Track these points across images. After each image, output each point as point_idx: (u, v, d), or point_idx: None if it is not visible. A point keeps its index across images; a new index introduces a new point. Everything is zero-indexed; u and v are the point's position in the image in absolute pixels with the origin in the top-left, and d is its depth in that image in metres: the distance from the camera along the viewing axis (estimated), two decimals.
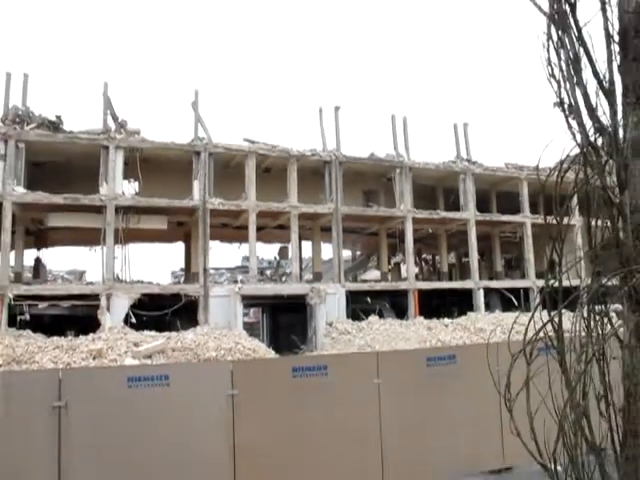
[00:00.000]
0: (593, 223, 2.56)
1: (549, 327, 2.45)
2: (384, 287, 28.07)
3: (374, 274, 35.46)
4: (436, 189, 32.73)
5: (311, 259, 32.38)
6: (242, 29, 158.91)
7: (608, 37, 2.52)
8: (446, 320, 25.50)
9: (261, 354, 19.32)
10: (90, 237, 24.78)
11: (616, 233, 2.45)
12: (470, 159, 30.67)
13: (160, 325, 21.63)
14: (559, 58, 2.55)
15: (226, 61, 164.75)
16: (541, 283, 3.10)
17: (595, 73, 2.52)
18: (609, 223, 2.48)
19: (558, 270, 2.58)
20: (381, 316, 25.83)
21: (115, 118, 24.38)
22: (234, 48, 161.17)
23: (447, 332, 23.79)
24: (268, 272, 39.72)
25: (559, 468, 2.39)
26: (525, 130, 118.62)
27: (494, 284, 30.35)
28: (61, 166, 24.08)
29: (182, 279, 33.95)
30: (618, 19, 2.52)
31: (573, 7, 2.53)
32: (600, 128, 2.51)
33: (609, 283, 2.41)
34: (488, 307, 28.95)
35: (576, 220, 7.67)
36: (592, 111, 2.51)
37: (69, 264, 47.24)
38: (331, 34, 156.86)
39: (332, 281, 26.48)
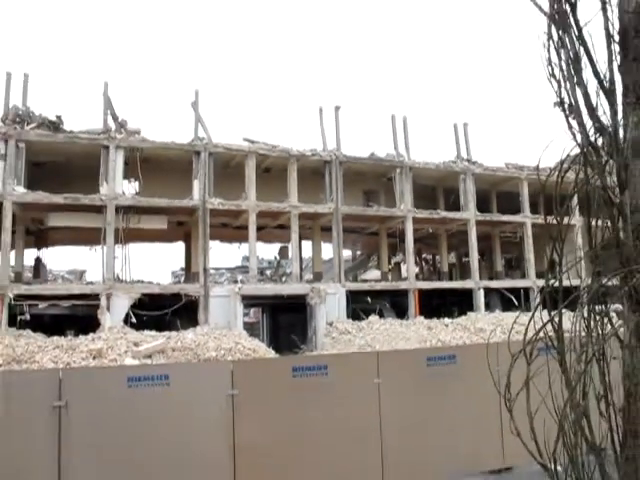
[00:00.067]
0: (593, 223, 2.56)
1: (549, 327, 2.45)
2: (384, 287, 28.07)
3: (374, 274, 35.47)
4: (436, 189, 32.73)
5: (311, 259, 32.39)
6: (242, 29, 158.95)
7: (608, 37, 2.52)
8: (446, 320, 25.50)
9: (261, 354, 19.32)
10: (90, 237, 24.79)
11: (616, 233, 2.45)
12: (470, 159, 30.68)
13: (160, 325, 21.63)
14: (559, 58, 2.55)
15: (226, 61, 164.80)
16: (541, 283, 3.10)
17: (595, 73, 2.52)
18: (609, 223, 2.48)
19: (558, 270, 2.58)
20: (381, 316, 25.83)
21: (115, 118, 24.39)
22: (234, 48, 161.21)
23: (447, 332, 23.79)
24: (268, 272, 39.72)
25: (559, 468, 2.39)
26: (525, 130, 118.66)
27: (494, 284, 30.35)
28: (61, 166, 24.09)
29: (182, 279, 33.96)
30: (618, 19, 2.52)
31: (573, 7, 2.53)
32: (600, 128, 2.51)
33: (609, 283, 2.41)
34: (488, 307, 28.95)
35: (576, 220, 7.67)
36: (592, 111, 2.51)
37: (69, 264, 47.31)
38: (331, 34, 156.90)
39: (332, 281, 26.48)
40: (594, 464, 2.42)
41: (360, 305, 26.27)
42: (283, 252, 34.86)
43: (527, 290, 29.17)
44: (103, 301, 21.77)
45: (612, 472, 2.40)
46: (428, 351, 12.24)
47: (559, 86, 2.56)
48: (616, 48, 2.52)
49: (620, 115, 2.51)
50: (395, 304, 27.93)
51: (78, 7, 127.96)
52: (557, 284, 2.51)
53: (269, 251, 47.70)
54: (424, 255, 39.94)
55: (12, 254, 23.72)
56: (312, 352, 21.66)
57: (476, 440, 7.85)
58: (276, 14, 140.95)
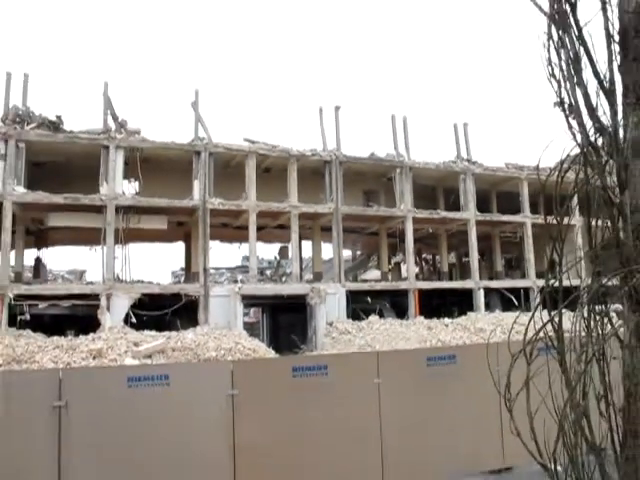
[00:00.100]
0: (593, 223, 2.56)
1: (549, 327, 2.45)
2: (384, 287, 28.07)
3: (374, 274, 35.47)
4: (436, 189, 32.73)
5: (311, 259, 32.39)
6: (242, 29, 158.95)
7: (608, 37, 2.52)
8: (446, 320, 25.50)
9: (261, 354, 19.32)
10: (90, 237, 24.79)
11: (616, 233, 2.45)
12: (470, 159, 30.68)
13: (160, 325, 21.63)
14: (559, 58, 2.55)
15: (226, 61, 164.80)
16: (541, 283, 3.10)
17: (595, 73, 2.52)
18: (609, 223, 2.48)
19: (558, 270, 2.58)
20: (381, 316, 25.83)
21: (115, 118, 24.39)
22: (234, 48, 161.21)
23: (447, 332, 23.79)
24: (268, 272, 39.72)
25: (559, 468, 2.39)
26: (525, 130, 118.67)
27: (494, 284, 30.35)
28: (61, 166, 24.09)
29: (182, 279, 33.96)
30: (618, 19, 2.52)
31: (573, 7, 2.53)
32: (600, 128, 2.51)
33: (609, 283, 2.41)
34: (488, 307, 28.95)
35: (576, 220, 7.67)
36: (592, 111, 2.51)
37: (69, 264, 47.31)
38: (331, 34, 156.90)
39: (332, 281, 26.48)
40: (594, 464, 2.42)
41: (360, 305, 26.27)
42: (283, 252, 34.86)
43: (527, 290, 29.17)
44: (103, 301, 21.77)
45: (612, 472, 2.40)
46: (428, 351, 12.24)
47: (559, 86, 2.56)
48: (616, 48, 2.52)
49: (620, 115, 2.51)
50: (395, 304, 27.92)
51: (78, 7, 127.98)
52: (557, 284, 2.51)
53: (269, 251, 47.72)
54: (424, 255, 39.94)
55: (12, 254, 23.72)
56: (312, 352, 21.66)
57: (476, 440, 7.85)
58: (276, 14, 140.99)
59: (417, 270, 34.30)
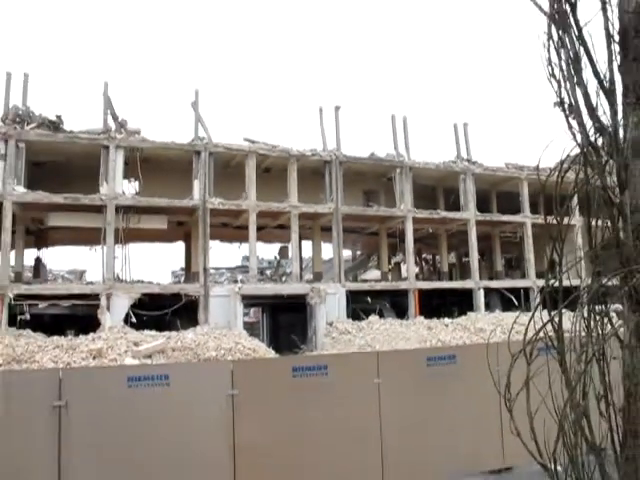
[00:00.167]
0: (593, 223, 2.56)
1: (549, 327, 2.45)
2: (384, 287, 28.06)
3: (374, 274, 35.46)
4: (436, 189, 32.73)
5: (311, 259, 32.39)
6: (242, 29, 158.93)
7: (608, 37, 2.52)
8: (446, 320, 25.50)
9: (261, 354, 19.32)
10: (90, 237, 24.79)
11: (616, 233, 2.45)
12: (470, 159, 30.67)
13: (160, 325, 21.63)
14: (559, 58, 2.55)
15: (226, 61, 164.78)
16: (541, 283, 3.10)
17: (595, 73, 2.52)
18: (609, 223, 2.48)
19: (558, 270, 2.58)
20: (381, 316, 25.82)
21: (115, 118, 24.38)
22: (234, 48, 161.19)
23: (447, 332, 23.79)
24: (268, 272, 39.72)
25: (559, 468, 2.39)
26: (525, 130, 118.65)
27: (494, 284, 30.34)
28: (61, 166, 24.08)
29: (182, 279, 33.96)
30: (618, 19, 2.52)
31: (573, 7, 2.53)
32: (600, 128, 2.51)
33: (609, 283, 2.41)
34: (488, 307, 28.94)
35: (576, 220, 7.67)
36: (592, 111, 2.51)
37: (69, 264, 47.35)
38: (331, 34, 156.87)
39: (332, 281, 26.48)
40: (594, 464, 2.42)
41: (360, 305, 26.26)
42: (283, 252, 34.85)
43: (527, 290, 29.17)
44: (103, 301, 21.77)
45: (612, 472, 2.40)
46: (428, 351, 12.24)
47: (559, 86, 2.56)
48: (616, 48, 2.52)
49: (620, 115, 2.51)
50: (395, 304, 27.92)
51: (78, 7, 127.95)
52: (557, 284, 2.51)
53: (269, 251, 47.73)
54: (424, 255, 39.93)
55: (12, 254, 23.71)
56: (312, 352, 21.66)
57: (476, 440, 7.85)
58: (276, 14, 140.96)
59: (417, 270, 34.30)
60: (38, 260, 28.51)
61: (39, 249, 28.54)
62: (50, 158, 23.88)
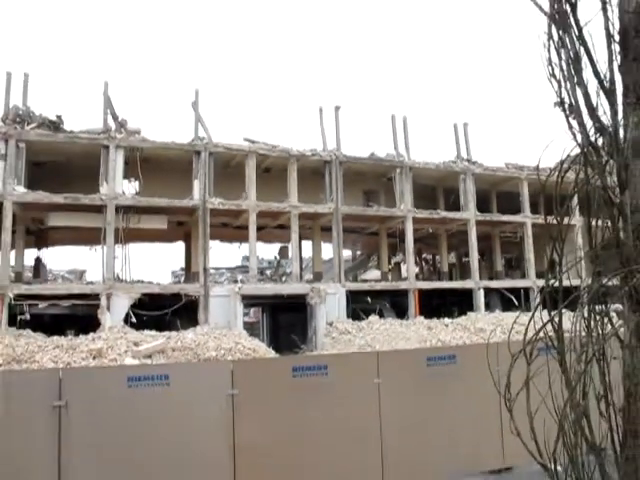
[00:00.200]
0: (593, 223, 2.56)
1: (549, 327, 2.45)
2: (384, 287, 28.06)
3: (374, 274, 35.46)
4: (436, 189, 32.72)
5: (311, 259, 32.39)
6: (242, 29, 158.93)
7: (609, 37, 2.52)
8: (446, 320, 25.50)
9: (261, 354, 19.32)
10: (90, 237, 24.79)
11: (616, 233, 2.45)
12: (470, 159, 30.67)
13: (160, 325, 21.63)
14: (560, 58, 2.55)
15: (226, 61, 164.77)
16: (541, 283, 3.10)
17: (596, 73, 2.52)
18: (609, 223, 2.48)
19: (558, 270, 2.58)
20: (381, 316, 25.82)
21: (115, 118, 24.38)
22: (234, 48, 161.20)
23: (447, 332, 23.79)
24: (268, 272, 39.72)
25: (559, 468, 2.39)
26: (525, 130, 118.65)
27: (494, 284, 30.34)
28: (61, 166, 24.08)
29: (182, 279, 33.96)
30: (619, 19, 2.52)
31: (574, 7, 2.53)
32: (601, 128, 2.51)
33: (609, 283, 2.41)
34: (488, 307, 28.94)
35: (576, 220, 7.67)
36: (593, 111, 2.51)
37: (69, 264, 47.37)
38: (331, 34, 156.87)
39: (332, 281, 26.48)
40: (594, 464, 2.42)
41: (360, 305, 26.26)
42: (283, 252, 34.85)
43: (527, 290, 29.16)
44: (103, 301, 21.77)
45: (612, 472, 2.40)
46: (428, 351, 12.24)
47: (559, 86, 2.56)
48: (616, 48, 2.52)
49: (620, 115, 2.51)
50: (395, 304, 27.92)
51: (78, 7, 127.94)
52: (557, 284, 2.51)
53: (269, 251, 47.73)
54: (424, 255, 39.93)
55: (12, 254, 23.71)
56: (312, 352, 21.66)
57: (476, 440, 7.84)
58: (276, 14, 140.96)
59: (417, 270, 34.29)
60: (38, 260, 28.51)
61: (39, 249, 28.54)
62: (50, 158, 23.88)
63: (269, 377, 7.37)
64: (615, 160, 2.47)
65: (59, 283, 28.77)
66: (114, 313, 21.70)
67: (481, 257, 32.53)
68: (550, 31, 2.56)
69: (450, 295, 29.54)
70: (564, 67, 2.54)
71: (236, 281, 28.10)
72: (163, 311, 22.27)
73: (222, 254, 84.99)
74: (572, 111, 2.54)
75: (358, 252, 41.33)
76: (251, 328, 30.35)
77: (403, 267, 32.57)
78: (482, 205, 30.66)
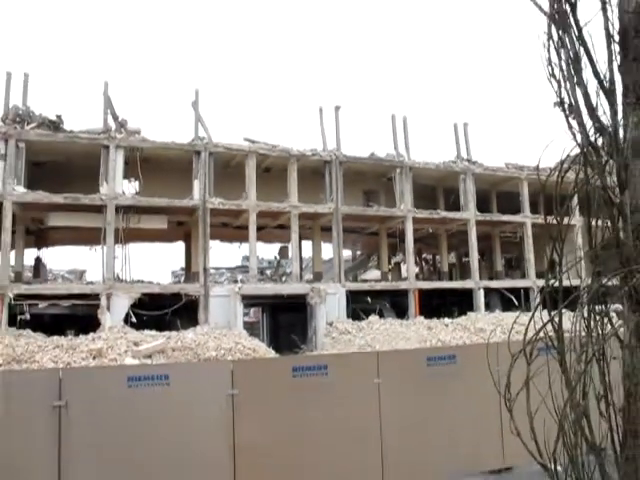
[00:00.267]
0: (593, 223, 2.56)
1: (549, 327, 2.45)
2: (384, 287, 28.06)
3: (374, 274, 35.46)
4: (436, 189, 32.73)
5: (311, 259, 32.39)
6: (242, 29, 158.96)
7: (608, 37, 2.52)
8: (446, 320, 25.50)
9: (261, 354, 19.32)
10: (90, 236, 24.79)
11: (616, 233, 2.45)
12: (470, 159, 30.67)
13: (160, 325, 21.64)
14: (559, 58, 2.55)
15: (226, 61, 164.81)
16: (541, 283, 3.10)
17: (595, 73, 2.52)
18: (609, 223, 2.48)
19: (558, 270, 2.58)
20: (381, 316, 25.82)
21: (115, 117, 24.38)
22: (234, 48, 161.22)
23: (447, 332, 23.79)
24: (268, 272, 39.72)
25: (559, 468, 2.39)
26: (525, 130, 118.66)
27: (494, 284, 30.34)
28: (61, 166, 24.08)
29: (182, 279, 33.96)
30: (618, 19, 2.52)
31: (573, 7, 2.53)
32: (600, 128, 2.51)
33: (609, 283, 2.41)
34: (488, 307, 28.94)
35: (576, 220, 7.67)
36: (592, 111, 2.51)
37: (69, 263, 47.39)
38: (331, 34, 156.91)
39: (332, 281, 26.48)
40: (594, 464, 2.42)
41: (360, 305, 26.26)
42: (283, 252, 34.85)
43: (527, 290, 29.16)
44: (103, 301, 21.77)
45: (612, 472, 2.40)
46: (428, 351, 12.24)
47: (559, 86, 2.56)
48: (616, 48, 2.52)
49: (620, 115, 2.51)
50: (395, 304, 27.92)
51: (78, 7, 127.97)
52: (557, 284, 2.51)
53: (269, 251, 47.71)
54: (424, 255, 39.93)
55: (12, 254, 23.71)
56: (312, 352, 21.66)
57: (476, 440, 7.84)
58: (276, 14, 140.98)
59: (417, 270, 34.29)
60: (38, 260, 28.52)
61: (39, 249, 28.54)
62: (50, 158, 23.88)
63: (269, 377, 7.37)
64: (615, 160, 2.47)
65: (59, 283, 28.77)
66: (114, 313, 21.70)
67: (481, 257, 32.53)
68: (550, 31, 2.56)
69: (450, 295, 29.54)
70: (564, 67, 2.54)
71: (236, 281, 28.10)
72: (163, 311, 22.27)
73: (222, 254, 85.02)
74: (572, 111, 2.54)
75: (358, 252, 41.33)
76: (251, 328, 30.35)
77: (403, 267, 32.57)
78: (482, 205, 30.66)
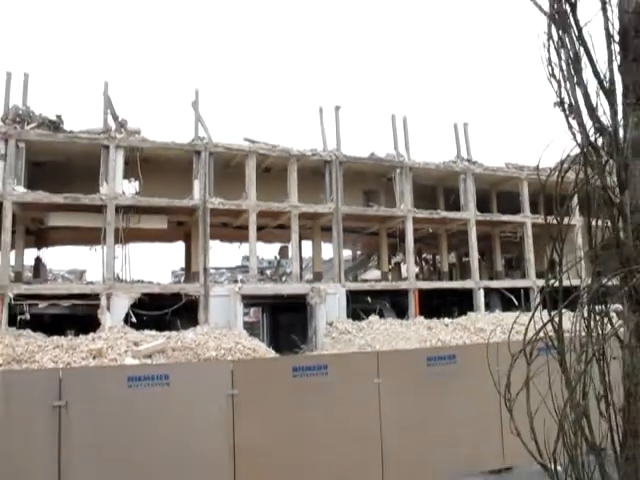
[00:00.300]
0: (593, 223, 2.55)
1: (549, 327, 2.45)
2: (384, 287, 28.06)
3: (374, 274, 35.46)
4: (436, 189, 32.72)
5: (311, 259, 32.38)
6: (242, 29, 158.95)
7: (608, 37, 2.52)
8: (446, 320, 25.50)
9: (261, 354, 19.32)
10: (90, 236, 24.79)
11: (616, 233, 2.45)
12: (470, 159, 30.67)
13: (160, 324, 21.64)
14: (559, 58, 2.55)
15: (226, 61, 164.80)
16: (541, 283, 3.10)
17: (595, 73, 2.51)
18: (609, 223, 2.47)
19: (558, 270, 2.58)
20: (381, 316, 25.82)
21: (115, 117, 24.38)
22: (234, 48, 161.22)
23: (447, 332, 23.79)
24: (268, 272, 39.72)
25: (559, 468, 2.39)
26: (525, 130, 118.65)
27: (494, 284, 30.34)
28: (61, 166, 24.08)
29: (182, 278, 33.96)
30: (618, 19, 2.52)
31: (573, 7, 2.53)
32: (600, 128, 2.51)
33: (609, 283, 2.41)
34: (488, 307, 28.94)
35: (576, 220, 7.67)
36: (592, 111, 2.51)
37: (69, 263, 47.39)
38: (331, 34, 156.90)
39: (332, 281, 26.48)
40: (594, 464, 2.42)
41: (360, 305, 26.26)
42: (283, 252, 34.85)
43: (527, 290, 29.16)
44: (103, 301, 21.77)
45: (612, 472, 2.40)
46: (428, 351, 12.24)
47: (559, 86, 2.56)
48: (616, 48, 2.52)
49: (620, 115, 2.51)
50: (395, 304, 27.92)
51: (78, 7, 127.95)
52: (557, 284, 2.51)
53: (269, 251, 47.69)
54: (424, 255, 39.93)
55: (12, 254, 23.71)
56: (312, 352, 21.66)
57: (476, 440, 7.84)
58: (276, 14, 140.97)
59: (417, 270, 34.29)
60: (38, 260, 28.51)
61: (39, 249, 28.54)
62: (50, 158, 23.87)
63: (269, 377, 7.37)
64: (615, 160, 2.47)
65: (59, 283, 28.77)
66: (114, 313, 21.70)
67: (481, 257, 32.53)
68: (550, 31, 2.56)
69: (450, 295, 29.54)
70: (564, 67, 2.54)
71: (236, 281, 28.10)
72: (163, 311, 22.27)
73: (222, 254, 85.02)
74: (572, 111, 2.54)
75: (358, 252, 41.33)
76: (251, 328, 30.35)
77: (403, 267, 32.57)
78: (482, 205, 30.66)
